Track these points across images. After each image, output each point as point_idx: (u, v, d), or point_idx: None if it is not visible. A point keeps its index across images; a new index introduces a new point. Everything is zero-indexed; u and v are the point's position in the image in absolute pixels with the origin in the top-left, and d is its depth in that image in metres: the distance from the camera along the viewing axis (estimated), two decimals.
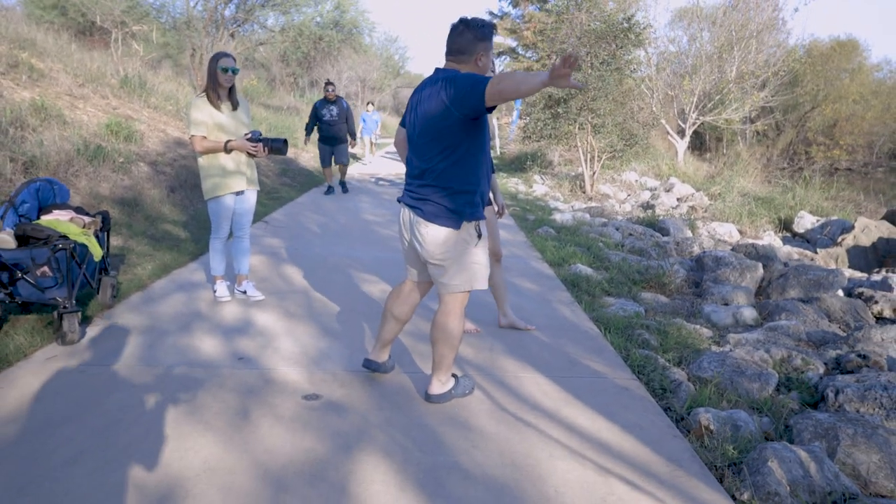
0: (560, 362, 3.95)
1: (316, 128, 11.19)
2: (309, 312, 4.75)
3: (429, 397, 3.33)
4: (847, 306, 5.88)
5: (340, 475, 2.64)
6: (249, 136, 4.71)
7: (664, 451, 2.94)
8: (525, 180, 14.62)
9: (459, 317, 3.25)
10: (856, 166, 30.43)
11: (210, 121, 4.56)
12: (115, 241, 6.41)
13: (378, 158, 20.37)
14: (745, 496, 2.70)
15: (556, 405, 3.36)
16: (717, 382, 3.85)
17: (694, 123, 21.15)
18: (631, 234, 8.67)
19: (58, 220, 4.24)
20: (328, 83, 11.07)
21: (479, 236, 3.13)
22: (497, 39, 33.53)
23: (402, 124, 3.41)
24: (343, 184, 11.99)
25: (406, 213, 3.20)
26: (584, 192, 13.40)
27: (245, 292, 5.05)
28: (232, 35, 22.83)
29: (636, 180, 15.34)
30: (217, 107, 4.60)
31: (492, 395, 3.47)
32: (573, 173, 14.78)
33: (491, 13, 33.08)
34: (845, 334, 5.15)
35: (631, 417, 3.25)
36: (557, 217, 9.90)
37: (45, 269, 3.83)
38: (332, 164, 11.46)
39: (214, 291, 4.96)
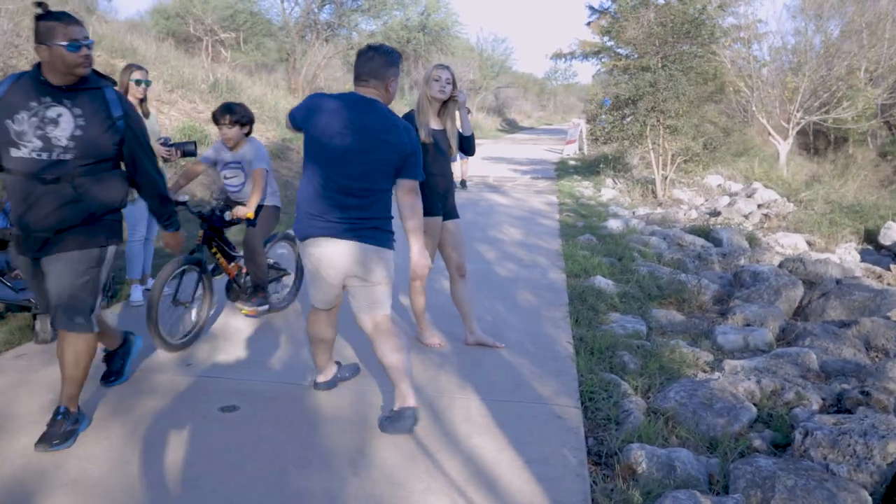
0: (506, 384, 3.76)
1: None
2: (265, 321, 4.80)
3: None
4: (892, 333, 5.23)
5: (212, 484, 2.63)
6: (162, 141, 4.91)
7: (555, 493, 2.70)
8: (596, 184, 14.11)
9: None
10: None
11: None
12: None
13: None
14: None
15: (469, 432, 3.18)
16: (673, 415, 3.54)
17: (798, 123, 19.63)
18: (678, 244, 8.16)
19: None
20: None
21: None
22: (594, 39, 32.58)
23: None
24: None
25: (341, 246, 3.03)
26: (655, 197, 12.78)
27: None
28: (326, 40, 23.59)
29: (719, 185, 14.45)
30: None
31: None
32: (651, 177, 14.10)
33: (591, 7, 32.07)
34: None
35: (543, 451, 3.03)
36: (611, 223, 9.47)
37: (19, 271, 4.07)
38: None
39: (128, 297, 5.07)
